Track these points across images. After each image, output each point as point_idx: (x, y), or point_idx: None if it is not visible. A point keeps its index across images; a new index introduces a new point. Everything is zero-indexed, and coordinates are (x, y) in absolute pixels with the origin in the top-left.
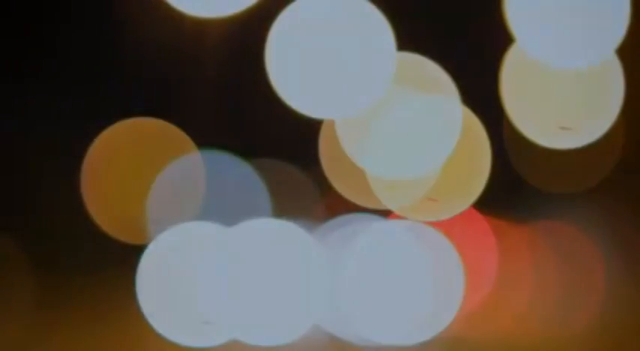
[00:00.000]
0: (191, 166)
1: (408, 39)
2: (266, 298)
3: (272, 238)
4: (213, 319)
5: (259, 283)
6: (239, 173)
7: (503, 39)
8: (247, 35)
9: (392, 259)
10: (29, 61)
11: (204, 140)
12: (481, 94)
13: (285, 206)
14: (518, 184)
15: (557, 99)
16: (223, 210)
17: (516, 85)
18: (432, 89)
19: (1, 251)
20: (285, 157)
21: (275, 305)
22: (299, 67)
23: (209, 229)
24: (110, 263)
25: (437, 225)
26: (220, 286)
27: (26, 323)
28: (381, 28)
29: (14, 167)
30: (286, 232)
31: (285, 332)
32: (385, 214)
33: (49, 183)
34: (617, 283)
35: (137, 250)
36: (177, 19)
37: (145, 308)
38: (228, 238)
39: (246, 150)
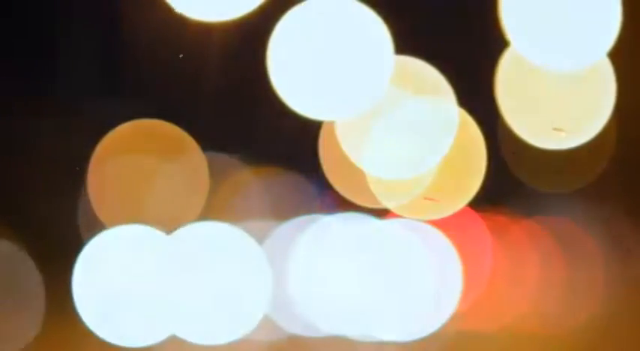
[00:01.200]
0: (194, 167)
1: (406, 42)
2: (204, 297)
3: (212, 241)
4: (152, 317)
5: (197, 284)
6: (238, 175)
7: (498, 42)
8: (249, 39)
9: (390, 257)
10: (35, 62)
11: (206, 141)
12: (477, 95)
13: (279, 205)
14: (513, 183)
15: (551, 101)
16: (223, 210)
17: (511, 87)
18: (429, 91)
19: (4, 252)
20: (286, 157)
21: (213, 305)
22: (300, 69)
23: (147, 231)
24: None
25: (433, 224)
26: (158, 286)
27: None
28: (379, 32)
29: (18, 168)
30: (226, 234)
31: (224, 331)
32: (383, 213)
33: (53, 184)
34: (614, 279)
35: None
36: (180, 22)
37: (81, 309)
38: (167, 240)
39: (248, 151)
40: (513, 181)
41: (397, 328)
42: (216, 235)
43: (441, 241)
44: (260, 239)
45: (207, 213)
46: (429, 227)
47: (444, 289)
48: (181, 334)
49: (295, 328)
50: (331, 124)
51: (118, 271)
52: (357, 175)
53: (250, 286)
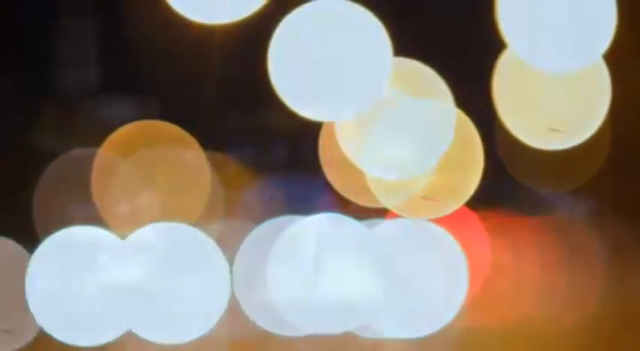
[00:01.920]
0: (195, 167)
1: (404, 44)
2: (162, 296)
3: (169, 241)
4: (104, 316)
5: (155, 283)
6: (238, 175)
7: (496, 44)
8: (250, 40)
9: (393, 255)
10: (35, 62)
11: (207, 142)
12: (474, 97)
13: (278, 205)
14: (510, 183)
15: (547, 102)
16: (222, 209)
17: (508, 89)
18: (427, 92)
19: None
20: (286, 157)
21: (171, 303)
22: (300, 70)
23: (102, 232)
24: None
25: (433, 222)
26: (114, 285)
27: None
28: (378, 34)
29: (20, 169)
30: (185, 234)
31: (181, 330)
32: (383, 212)
33: (56, 186)
34: (611, 278)
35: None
36: (182, 24)
37: (34, 309)
38: (123, 243)
39: (248, 151)
40: (511, 181)
41: (399, 325)
42: (174, 236)
43: (445, 239)
44: (257, 238)
45: (208, 212)
46: (432, 225)
47: (448, 287)
48: (138, 332)
49: (280, 329)
50: (331, 124)
51: (72, 271)
52: (357, 175)
53: (208, 286)
